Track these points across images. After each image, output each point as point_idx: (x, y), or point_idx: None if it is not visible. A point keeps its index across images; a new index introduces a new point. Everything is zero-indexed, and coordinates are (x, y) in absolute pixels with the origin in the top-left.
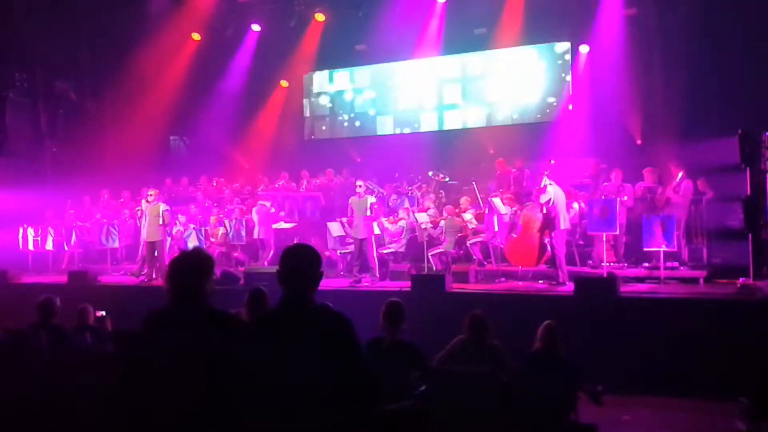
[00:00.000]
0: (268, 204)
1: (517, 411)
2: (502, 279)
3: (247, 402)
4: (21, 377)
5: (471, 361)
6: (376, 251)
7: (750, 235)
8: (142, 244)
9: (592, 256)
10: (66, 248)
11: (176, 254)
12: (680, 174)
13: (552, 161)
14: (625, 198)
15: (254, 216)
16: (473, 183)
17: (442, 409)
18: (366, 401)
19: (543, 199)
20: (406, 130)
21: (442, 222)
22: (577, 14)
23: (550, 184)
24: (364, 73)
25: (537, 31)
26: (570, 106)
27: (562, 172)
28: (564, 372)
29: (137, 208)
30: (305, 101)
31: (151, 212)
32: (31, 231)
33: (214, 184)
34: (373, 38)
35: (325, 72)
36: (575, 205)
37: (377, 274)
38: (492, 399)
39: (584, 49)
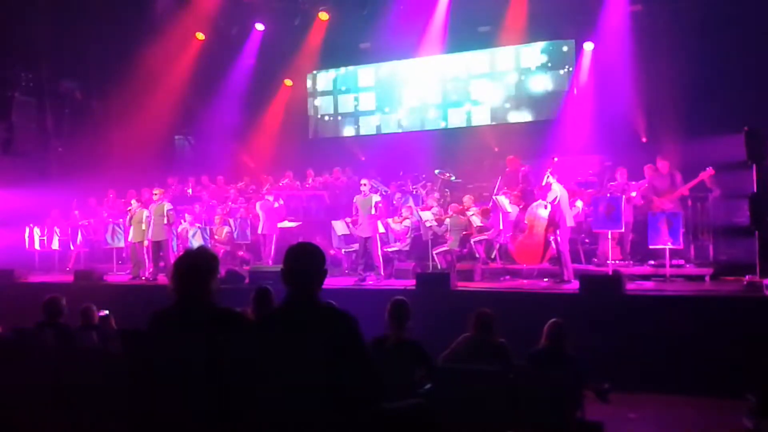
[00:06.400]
0: (271, 198)
1: (523, 409)
2: (507, 277)
3: (253, 400)
4: (28, 376)
5: (476, 359)
6: (381, 250)
7: (756, 233)
8: (127, 245)
9: (597, 254)
10: (72, 248)
11: (181, 253)
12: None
13: (555, 159)
14: (634, 194)
15: (259, 211)
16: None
17: (447, 407)
18: (371, 400)
19: (549, 197)
20: (411, 129)
21: (447, 220)
22: (581, 11)
23: (554, 182)
24: (368, 71)
25: (541, 28)
26: (575, 105)
27: (567, 170)
28: (570, 370)
29: (128, 208)
30: (309, 100)
31: (156, 212)
32: (37, 230)
33: (214, 184)
34: (377, 37)
35: (330, 71)
36: (578, 203)
37: (382, 273)
38: (498, 397)
39: (589, 46)
